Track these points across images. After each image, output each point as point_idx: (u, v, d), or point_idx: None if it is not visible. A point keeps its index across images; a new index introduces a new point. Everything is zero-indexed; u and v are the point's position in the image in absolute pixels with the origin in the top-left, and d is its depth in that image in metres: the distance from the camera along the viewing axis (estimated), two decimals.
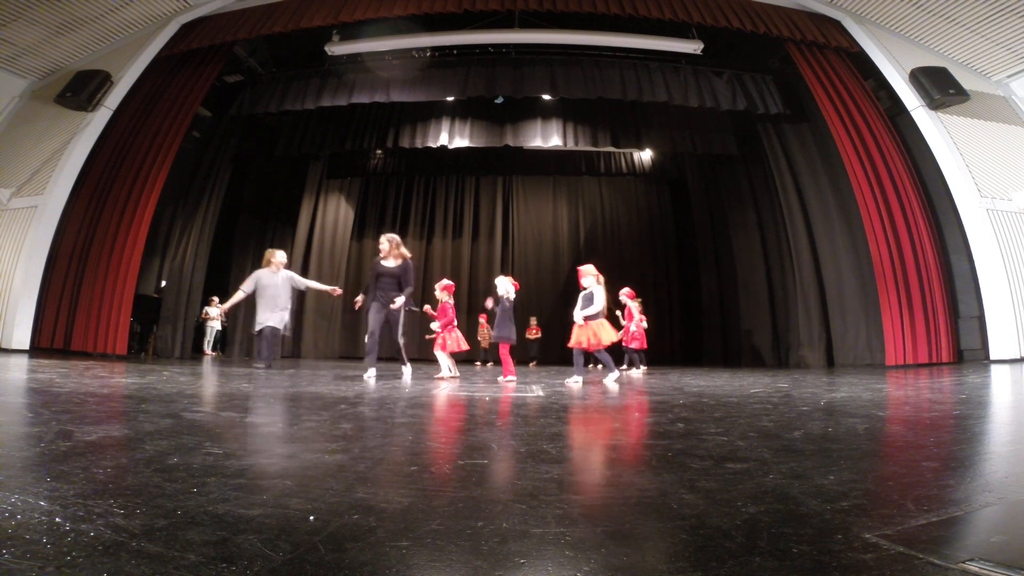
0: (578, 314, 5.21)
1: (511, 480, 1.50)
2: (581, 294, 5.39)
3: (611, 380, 5.08)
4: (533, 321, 11.09)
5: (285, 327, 6.56)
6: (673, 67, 8.42)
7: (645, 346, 7.63)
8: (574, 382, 4.90)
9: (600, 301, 5.18)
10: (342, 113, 9.58)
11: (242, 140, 9.96)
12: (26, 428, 2.02)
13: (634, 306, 7.52)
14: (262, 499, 1.23)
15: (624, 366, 7.78)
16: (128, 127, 8.05)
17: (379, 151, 11.97)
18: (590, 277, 5.33)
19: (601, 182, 12.62)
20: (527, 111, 9.73)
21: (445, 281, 5.90)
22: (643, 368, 7.74)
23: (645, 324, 7.63)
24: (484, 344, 10.16)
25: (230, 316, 10.80)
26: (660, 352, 11.44)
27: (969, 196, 7.09)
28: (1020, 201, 7.20)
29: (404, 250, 5.56)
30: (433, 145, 9.69)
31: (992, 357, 6.73)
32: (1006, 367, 6.03)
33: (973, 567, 0.83)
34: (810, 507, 1.17)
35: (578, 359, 5.18)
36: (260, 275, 6.46)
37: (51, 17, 7.54)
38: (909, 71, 7.64)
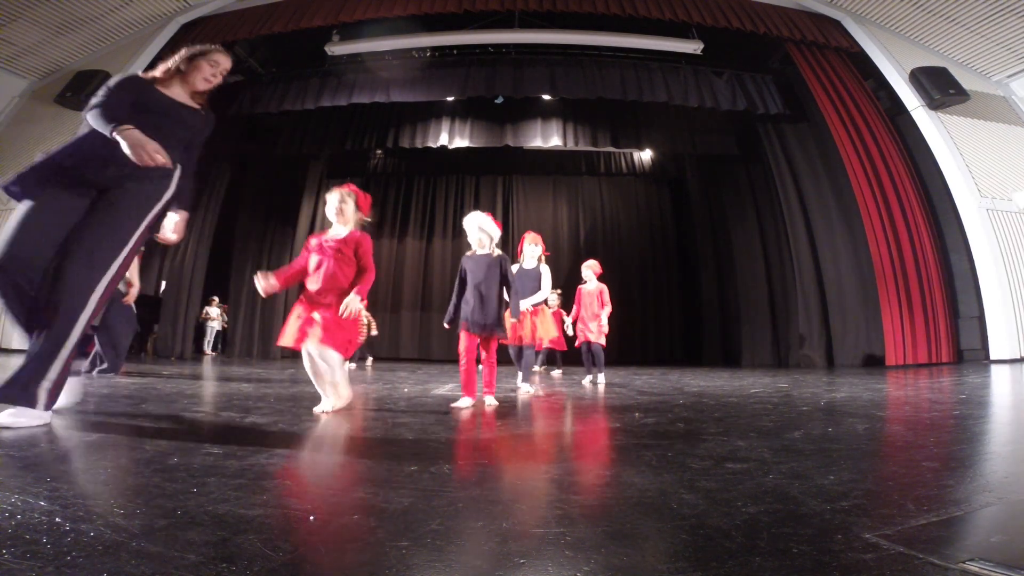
0: (524, 301, 4.06)
1: (511, 480, 1.50)
2: (517, 268, 4.14)
3: (527, 389, 4.00)
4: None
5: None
6: (673, 67, 8.42)
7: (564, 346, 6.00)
8: (525, 390, 3.94)
9: (549, 285, 4.15)
10: (342, 113, 9.58)
11: (242, 140, 9.96)
12: (26, 428, 2.01)
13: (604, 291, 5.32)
14: (262, 499, 1.23)
15: (545, 367, 7.19)
16: None
17: (379, 151, 11.97)
18: (536, 248, 4.16)
19: (601, 182, 12.61)
20: (527, 111, 9.73)
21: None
22: (542, 369, 7.13)
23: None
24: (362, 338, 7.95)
25: (230, 314, 10.81)
26: (660, 352, 11.44)
27: (969, 196, 7.10)
28: (1020, 201, 7.21)
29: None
30: (433, 145, 9.69)
31: (992, 357, 6.73)
32: (1006, 367, 6.03)
33: (973, 567, 0.83)
34: (810, 507, 1.17)
35: (528, 358, 4.27)
36: None
37: (51, 17, 7.55)
38: (909, 71, 7.65)
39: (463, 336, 3.08)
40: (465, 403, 2.94)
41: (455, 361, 7.48)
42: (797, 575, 0.83)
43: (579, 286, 5.39)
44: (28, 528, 0.98)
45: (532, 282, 4.10)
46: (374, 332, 8.49)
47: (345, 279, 2.61)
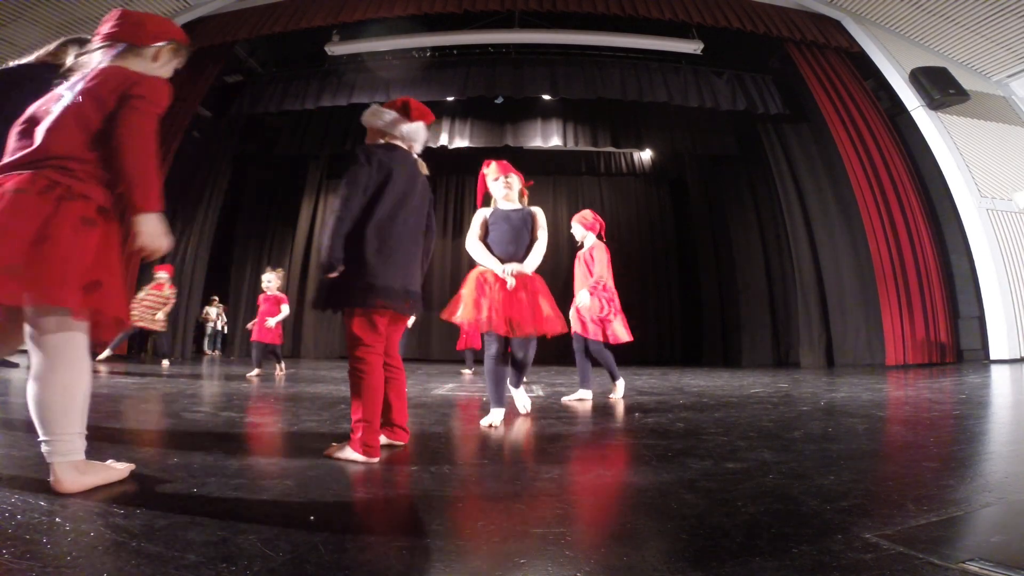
0: (516, 265, 2.42)
1: (511, 480, 1.50)
2: (491, 212, 2.58)
3: (523, 405, 2.75)
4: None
5: None
6: (673, 67, 8.41)
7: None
8: (523, 407, 2.69)
9: (546, 235, 2.54)
10: (342, 113, 9.58)
11: (242, 140, 9.97)
12: (27, 429, 2.02)
13: (599, 258, 3.53)
14: (262, 499, 1.23)
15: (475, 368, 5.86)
16: None
17: None
18: (511, 180, 2.60)
19: (601, 182, 12.61)
20: (527, 111, 9.72)
21: None
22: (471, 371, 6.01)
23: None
24: (157, 324, 6.22)
25: (230, 314, 10.82)
26: (660, 352, 11.44)
27: (969, 196, 7.09)
28: (1020, 201, 7.21)
29: None
30: (433, 145, 9.69)
31: (992, 357, 6.73)
32: (1006, 367, 6.02)
33: (973, 567, 0.83)
34: (810, 507, 1.17)
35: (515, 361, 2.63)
36: None
37: (51, 17, 7.54)
38: (909, 71, 7.65)
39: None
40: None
41: (456, 361, 6.84)
42: (797, 575, 0.83)
43: (577, 252, 3.72)
44: (28, 528, 0.98)
45: (516, 230, 2.47)
46: (155, 326, 6.23)
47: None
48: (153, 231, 1.33)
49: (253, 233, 10.78)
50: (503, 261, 2.43)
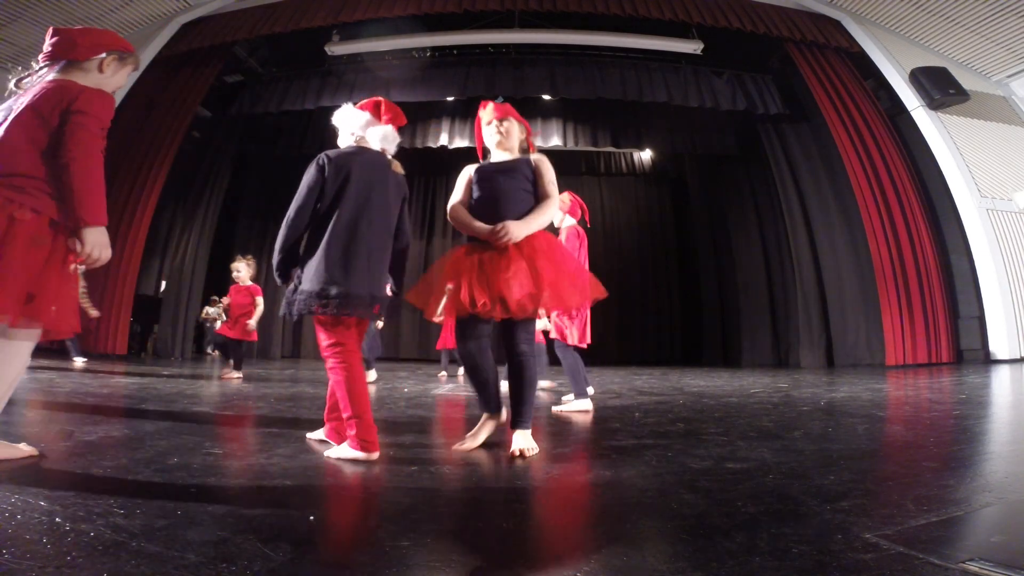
0: (515, 225, 1.78)
1: (511, 480, 1.50)
2: (478, 167, 2.01)
3: (528, 446, 1.87)
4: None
5: None
6: (673, 67, 8.42)
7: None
8: (528, 448, 1.80)
9: (556, 196, 1.96)
10: None
11: (242, 140, 9.97)
12: (26, 428, 2.02)
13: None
14: (262, 499, 1.23)
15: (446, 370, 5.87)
16: (128, 127, 8.05)
17: None
18: (512, 125, 2.02)
19: (601, 182, 12.62)
20: (527, 111, 9.68)
21: None
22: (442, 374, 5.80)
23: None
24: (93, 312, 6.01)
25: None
26: (660, 352, 11.44)
27: (969, 196, 7.10)
28: (1020, 201, 7.21)
29: None
30: (433, 145, 9.69)
31: (992, 357, 6.73)
32: (1006, 367, 6.02)
33: (973, 567, 0.83)
34: (810, 507, 1.17)
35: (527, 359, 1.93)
36: None
37: (51, 17, 7.54)
38: (909, 71, 7.65)
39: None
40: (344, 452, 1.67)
41: (452, 361, 6.78)
42: (797, 575, 0.83)
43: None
44: (28, 528, 0.98)
45: (508, 187, 1.90)
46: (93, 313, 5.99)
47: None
48: (98, 242, 1.44)
49: (253, 233, 10.77)
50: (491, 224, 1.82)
